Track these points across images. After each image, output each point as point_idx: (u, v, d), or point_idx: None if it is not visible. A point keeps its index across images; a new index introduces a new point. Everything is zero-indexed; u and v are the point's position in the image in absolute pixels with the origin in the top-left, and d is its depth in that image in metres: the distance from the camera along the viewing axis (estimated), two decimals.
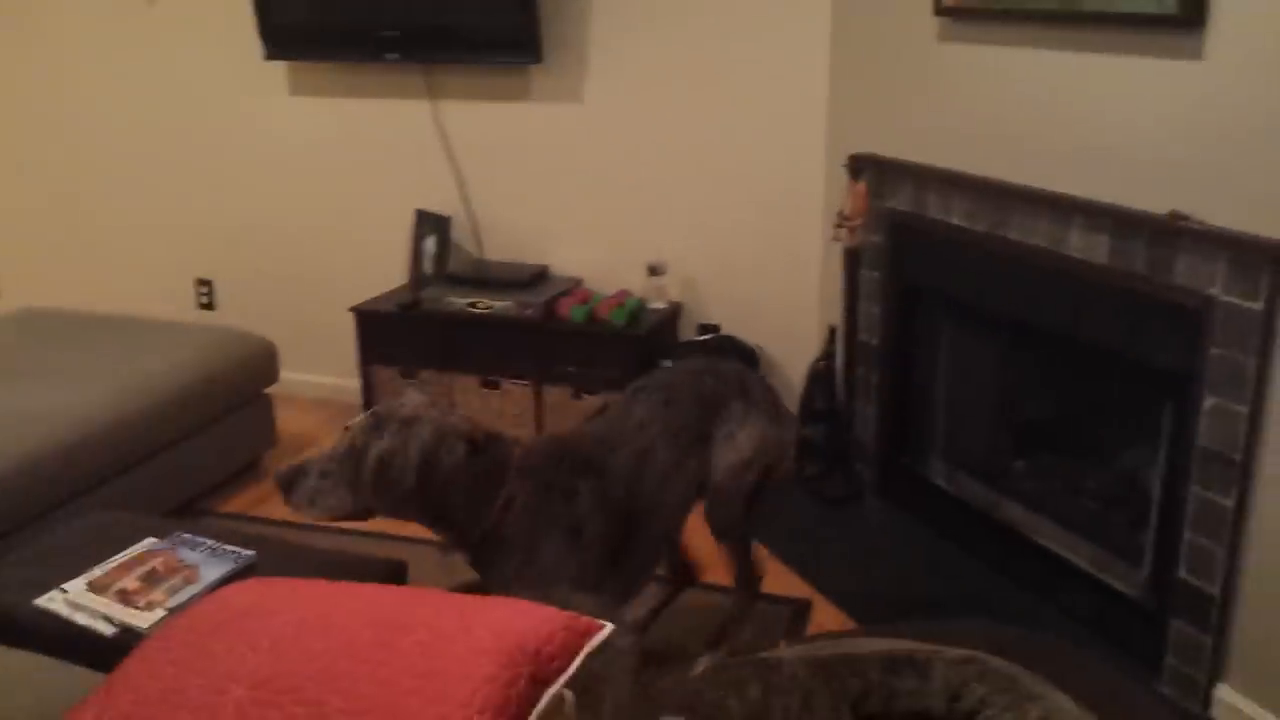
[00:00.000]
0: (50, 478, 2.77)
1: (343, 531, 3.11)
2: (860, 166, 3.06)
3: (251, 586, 1.50)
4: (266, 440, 3.56)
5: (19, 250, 4.51)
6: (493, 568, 1.99)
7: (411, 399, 2.01)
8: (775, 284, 3.48)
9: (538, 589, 1.94)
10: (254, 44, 3.83)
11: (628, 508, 2.09)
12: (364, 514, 1.96)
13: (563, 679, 1.38)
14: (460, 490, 1.92)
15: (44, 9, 4.13)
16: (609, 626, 1.50)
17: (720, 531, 2.36)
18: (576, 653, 1.43)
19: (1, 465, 2.66)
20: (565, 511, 2.00)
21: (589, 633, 1.46)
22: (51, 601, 2.02)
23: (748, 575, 2.45)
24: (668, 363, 3.25)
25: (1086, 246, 2.39)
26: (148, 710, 1.23)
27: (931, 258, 2.89)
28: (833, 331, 3.25)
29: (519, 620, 1.39)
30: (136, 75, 4.08)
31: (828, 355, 3.24)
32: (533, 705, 1.32)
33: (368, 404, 3.69)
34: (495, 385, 3.53)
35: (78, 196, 4.34)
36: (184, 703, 1.23)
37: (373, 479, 1.89)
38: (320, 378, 4.13)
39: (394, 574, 2.17)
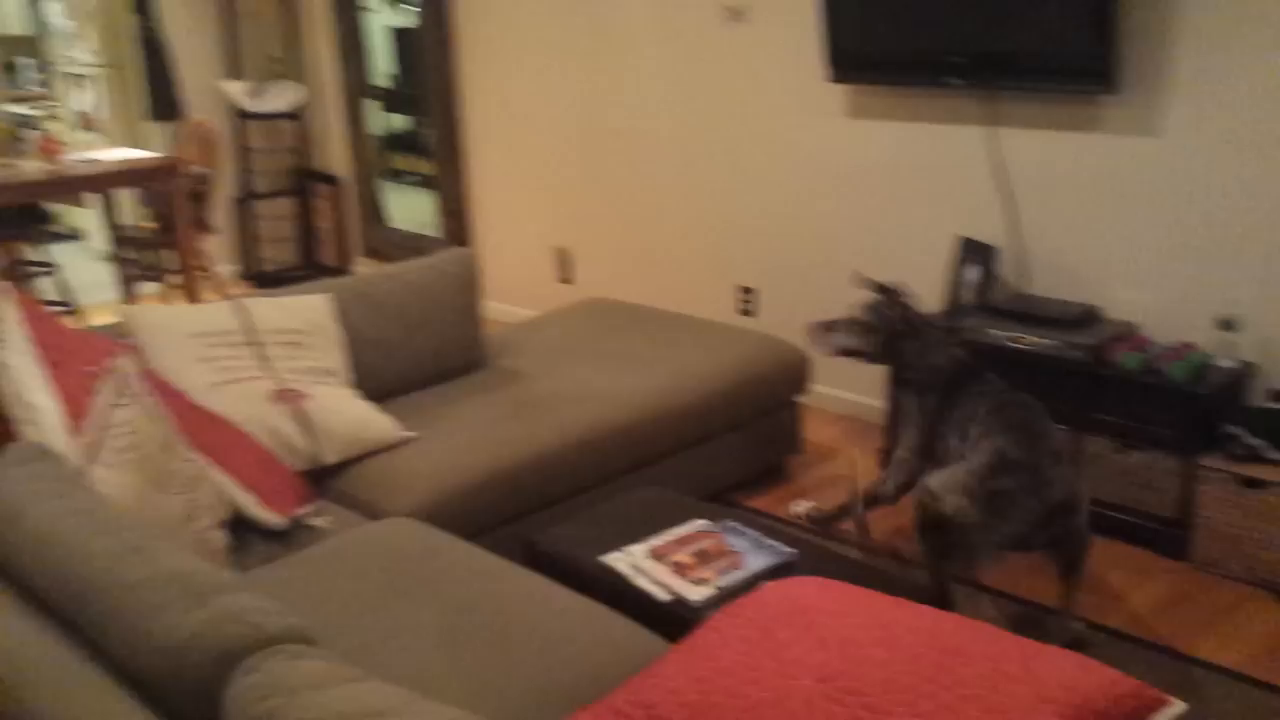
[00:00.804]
0: (607, 451, 3.08)
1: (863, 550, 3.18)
2: None
3: (812, 584, 1.57)
4: (792, 446, 3.71)
5: (592, 245, 5.08)
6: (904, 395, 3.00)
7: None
8: None
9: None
10: (816, 66, 4.00)
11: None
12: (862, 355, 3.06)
13: None
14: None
15: (628, 25, 4.62)
16: (1181, 705, 1.39)
17: None
18: None
19: (573, 433, 3.01)
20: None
21: (1161, 705, 1.36)
22: (616, 561, 2.25)
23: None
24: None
25: None
26: (723, 679, 1.33)
27: None
28: None
29: (1087, 677, 1.33)
30: (705, 91, 4.44)
31: None
32: None
33: (890, 423, 3.71)
34: None
35: (643, 201, 4.81)
36: (756, 679, 1.32)
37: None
38: (845, 393, 4.23)
39: (920, 596, 2.17)
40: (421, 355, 3.32)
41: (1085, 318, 3.43)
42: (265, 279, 6.34)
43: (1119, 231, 3.46)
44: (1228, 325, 3.17)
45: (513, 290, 5.46)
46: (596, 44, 4.79)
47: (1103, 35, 3.21)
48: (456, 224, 5.65)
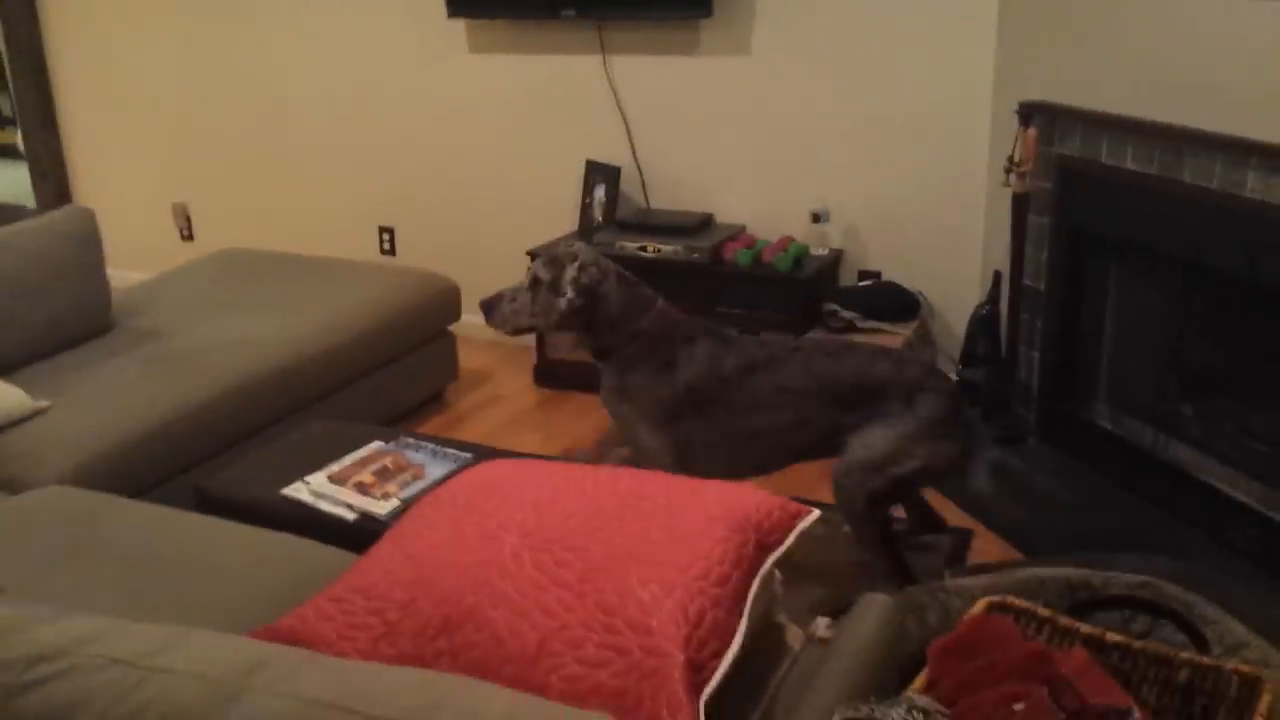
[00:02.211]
0: (267, 395, 3.05)
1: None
2: (1030, 113, 3.12)
3: (502, 464, 1.70)
4: (449, 374, 3.81)
5: (211, 198, 4.86)
6: (607, 375, 2.53)
7: (579, 247, 2.57)
8: (938, 231, 3.56)
9: (627, 406, 2.50)
10: (437, 3, 4.06)
11: (707, 400, 2.43)
12: (539, 329, 2.56)
13: (782, 549, 1.54)
14: (606, 312, 2.47)
15: None
16: (816, 512, 1.66)
17: (844, 515, 2.46)
18: (790, 530, 1.59)
19: (227, 382, 2.95)
20: (662, 363, 2.45)
21: (800, 514, 1.62)
22: (297, 491, 2.27)
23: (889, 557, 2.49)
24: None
25: (1264, 188, 2.42)
26: (435, 553, 1.44)
27: (1102, 203, 2.94)
28: (997, 277, 3.32)
29: (743, 497, 1.56)
30: (329, 32, 4.36)
31: (991, 300, 3.31)
32: (756, 569, 1.49)
33: (540, 345, 3.91)
34: None
35: (268, 149, 4.67)
36: (466, 547, 1.43)
37: (545, 302, 2.49)
38: None
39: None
40: (42, 321, 3.08)
41: (701, 224, 3.77)
42: None
43: (722, 144, 3.83)
44: (817, 218, 3.62)
45: (127, 254, 5.10)
46: None
47: None
48: (53, 188, 5.19)
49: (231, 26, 4.54)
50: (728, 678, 1.30)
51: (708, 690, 1.25)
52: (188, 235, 4.98)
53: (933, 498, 3.00)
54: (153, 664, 1.19)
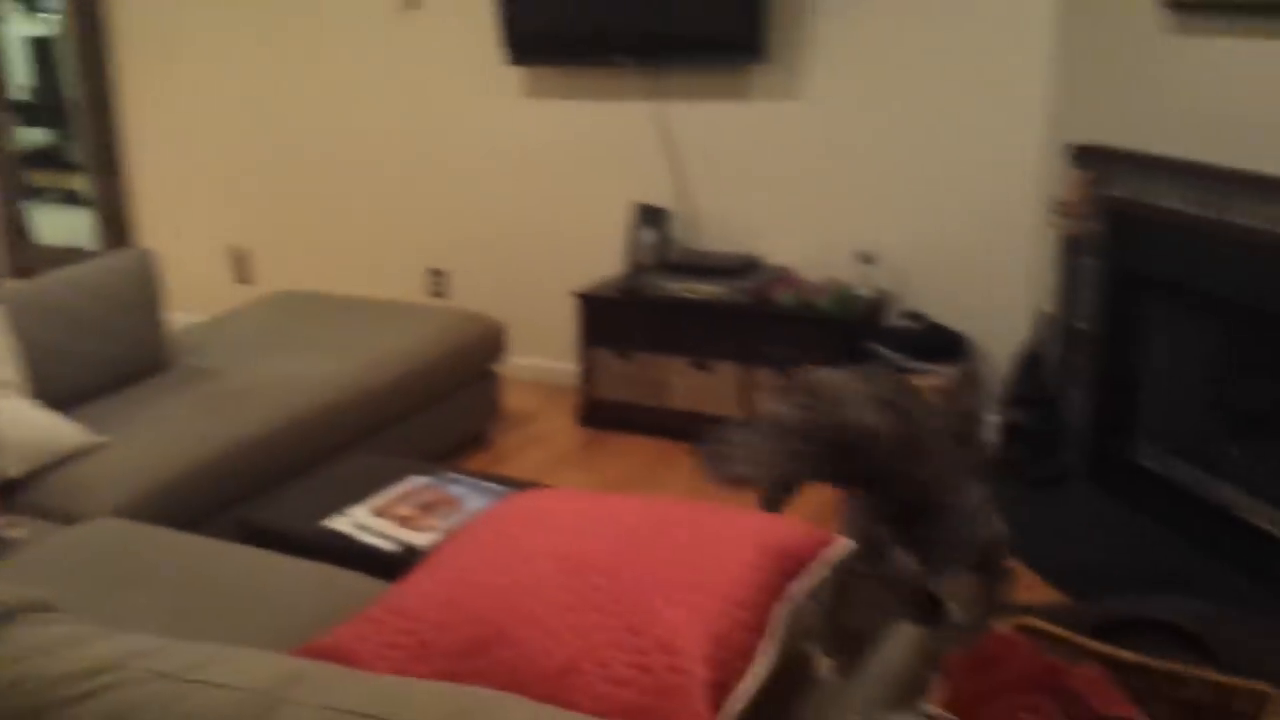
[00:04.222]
0: (315, 432, 3.10)
1: None
2: (1081, 155, 3.12)
3: (538, 493, 1.73)
4: (492, 414, 3.86)
5: (270, 242, 4.99)
6: None
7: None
8: (983, 272, 3.56)
9: None
10: (493, 50, 4.16)
11: None
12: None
13: (810, 576, 1.54)
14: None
15: (300, 17, 4.58)
16: (847, 541, 1.66)
17: None
18: (818, 559, 1.59)
19: (277, 419, 3.00)
20: None
21: (829, 543, 1.62)
22: (338, 523, 2.31)
23: None
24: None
25: None
26: (473, 574, 1.46)
27: (1152, 244, 2.92)
28: (1043, 317, 3.30)
29: (773, 524, 1.57)
30: (388, 78, 4.49)
31: (1037, 341, 3.29)
32: (783, 595, 1.49)
33: (586, 383, 3.94)
34: (705, 367, 3.73)
35: (324, 193, 4.79)
36: (503, 569, 1.45)
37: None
38: (538, 361, 4.42)
39: None
40: (103, 359, 3.17)
41: (747, 266, 3.80)
42: None
43: (770, 186, 3.87)
44: (865, 260, 3.63)
45: (188, 296, 5.24)
46: (268, 40, 4.71)
47: (752, 13, 3.58)
48: (116, 234, 5.35)
49: (291, 76, 4.69)
50: (752, 701, 1.30)
51: (731, 710, 1.26)
52: (246, 279, 5.10)
53: None
54: (195, 677, 1.23)
